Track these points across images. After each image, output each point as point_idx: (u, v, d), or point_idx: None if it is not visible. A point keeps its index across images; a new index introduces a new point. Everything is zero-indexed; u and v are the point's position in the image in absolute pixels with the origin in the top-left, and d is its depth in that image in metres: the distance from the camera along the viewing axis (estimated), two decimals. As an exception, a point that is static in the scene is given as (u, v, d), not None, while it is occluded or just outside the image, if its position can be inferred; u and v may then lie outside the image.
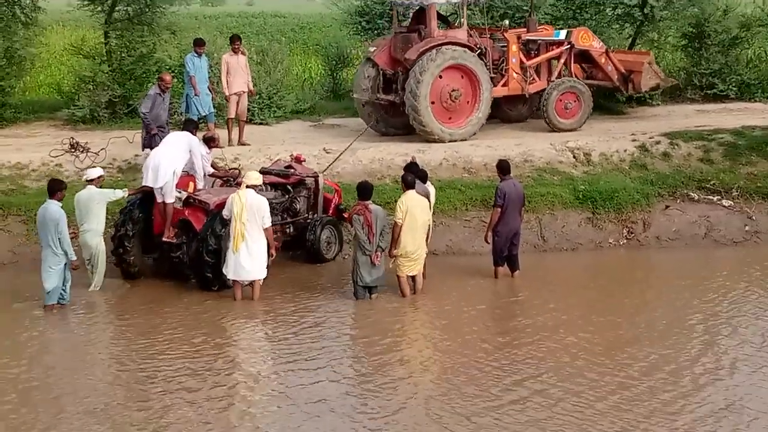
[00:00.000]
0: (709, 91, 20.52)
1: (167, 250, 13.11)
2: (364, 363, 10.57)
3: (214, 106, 16.96)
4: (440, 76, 16.64)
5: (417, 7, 17.30)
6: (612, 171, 16.26)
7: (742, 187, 15.88)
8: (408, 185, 12.53)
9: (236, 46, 17.02)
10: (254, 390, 9.88)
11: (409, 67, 16.73)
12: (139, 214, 13.15)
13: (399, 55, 17.23)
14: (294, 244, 14.24)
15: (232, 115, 17.07)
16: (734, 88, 20.51)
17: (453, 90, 16.74)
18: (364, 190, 12.63)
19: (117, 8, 19.30)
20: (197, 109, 16.40)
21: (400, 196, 12.68)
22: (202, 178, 13.28)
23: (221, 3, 57.70)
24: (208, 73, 17.02)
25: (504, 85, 17.59)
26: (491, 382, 9.91)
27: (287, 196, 14.09)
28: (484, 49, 17.29)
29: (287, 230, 14.09)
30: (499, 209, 13.09)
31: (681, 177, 16.09)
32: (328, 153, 16.23)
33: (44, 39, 21.84)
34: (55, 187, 12.24)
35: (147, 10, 19.25)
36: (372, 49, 17.72)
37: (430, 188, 13.18)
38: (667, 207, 15.61)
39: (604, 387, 9.71)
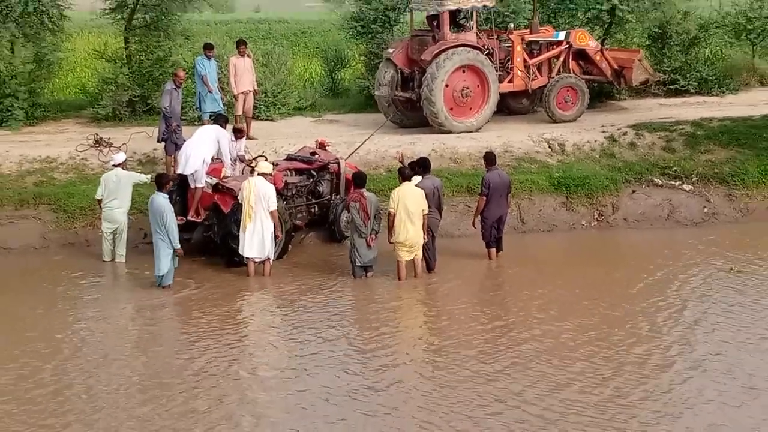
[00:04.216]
0: (671, 86, 20.51)
1: (202, 230, 13.39)
2: (357, 335, 10.82)
3: (223, 104, 17.02)
4: (454, 75, 16.85)
5: (432, 12, 17.39)
6: (584, 159, 16.35)
7: (701, 173, 15.93)
8: (404, 177, 12.50)
9: (242, 50, 17.12)
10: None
11: (425, 66, 16.90)
12: (176, 197, 13.46)
13: (415, 56, 17.41)
14: (320, 223, 14.43)
15: (239, 112, 17.16)
16: (694, 84, 20.52)
17: (464, 87, 16.97)
18: (360, 179, 12.74)
19: (136, 16, 19.39)
20: (208, 106, 16.50)
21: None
22: (230, 166, 13.68)
23: (231, 10, 57.31)
24: (218, 74, 17.10)
25: (509, 81, 17.82)
26: (484, 354, 10.13)
27: (311, 180, 14.31)
28: (491, 50, 17.48)
29: (312, 210, 14.33)
30: (484, 198, 13.10)
31: (646, 164, 16.17)
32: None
33: (70, 45, 21.85)
34: (163, 181, 12.48)
35: (163, 17, 19.35)
36: (391, 50, 17.89)
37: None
38: (633, 191, 15.67)
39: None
